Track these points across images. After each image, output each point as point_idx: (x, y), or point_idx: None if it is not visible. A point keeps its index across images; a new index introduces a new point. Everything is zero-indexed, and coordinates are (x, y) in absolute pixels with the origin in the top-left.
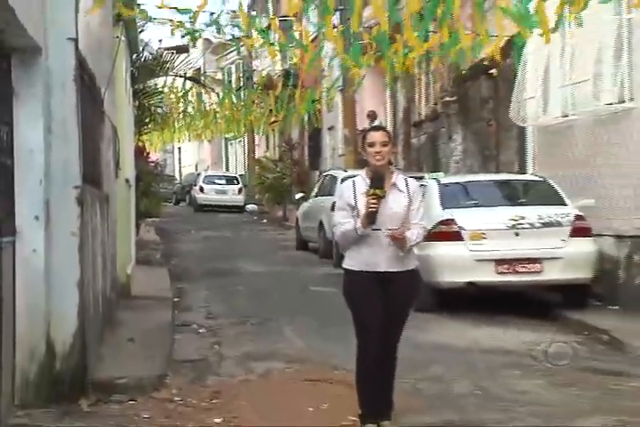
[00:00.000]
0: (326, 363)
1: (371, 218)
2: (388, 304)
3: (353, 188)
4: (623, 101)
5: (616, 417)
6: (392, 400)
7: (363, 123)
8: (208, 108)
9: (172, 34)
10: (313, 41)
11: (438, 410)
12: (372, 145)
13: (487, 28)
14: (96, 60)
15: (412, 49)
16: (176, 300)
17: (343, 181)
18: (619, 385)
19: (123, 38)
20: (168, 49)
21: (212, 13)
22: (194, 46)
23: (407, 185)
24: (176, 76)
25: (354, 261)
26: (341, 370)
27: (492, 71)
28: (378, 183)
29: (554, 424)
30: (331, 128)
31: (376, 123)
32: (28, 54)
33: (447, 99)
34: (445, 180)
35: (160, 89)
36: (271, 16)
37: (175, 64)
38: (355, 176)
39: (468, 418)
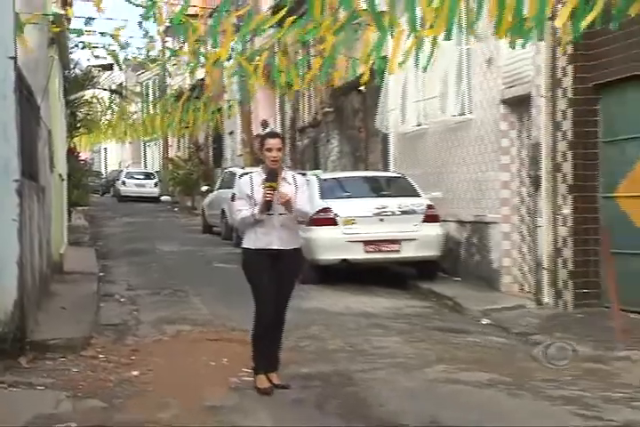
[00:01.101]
0: (226, 325)
1: (267, 206)
2: (279, 277)
3: (251, 182)
4: (463, 114)
5: (455, 365)
6: (279, 355)
7: (257, 129)
8: (128, 116)
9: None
10: (217, 60)
11: (315, 363)
12: (269, 150)
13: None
14: (34, 75)
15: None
16: (101, 274)
17: (241, 176)
18: (458, 340)
19: (56, 57)
20: (95, 66)
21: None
22: (117, 65)
23: (294, 179)
24: (102, 89)
25: (252, 241)
26: (238, 331)
27: (361, 88)
28: (272, 178)
29: (407, 372)
30: (231, 133)
31: (268, 129)
32: None
33: (326, 109)
34: (324, 176)
35: (88, 99)
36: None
37: (101, 79)
38: (250, 173)
39: (339, 369)
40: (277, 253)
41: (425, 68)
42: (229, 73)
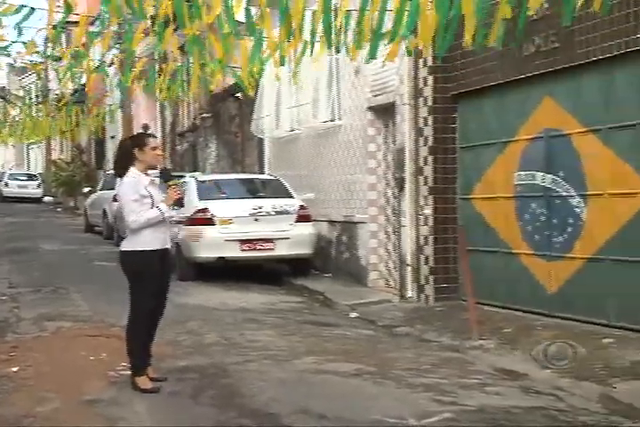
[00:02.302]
0: (105, 322)
1: (179, 203)
2: (164, 274)
3: (139, 183)
4: (333, 120)
5: (325, 357)
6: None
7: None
8: (11, 120)
9: None
10: (99, 67)
11: (192, 356)
12: (155, 148)
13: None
14: None
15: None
16: None
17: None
18: (328, 333)
19: None
20: None
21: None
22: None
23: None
24: None
25: (147, 242)
26: (117, 327)
27: (237, 94)
28: (170, 177)
29: (279, 364)
30: (113, 137)
31: (149, 132)
32: None
33: (204, 115)
34: (202, 178)
35: None
36: (64, 46)
37: None
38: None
39: (214, 362)
40: (166, 251)
41: (294, 80)
42: (110, 79)
